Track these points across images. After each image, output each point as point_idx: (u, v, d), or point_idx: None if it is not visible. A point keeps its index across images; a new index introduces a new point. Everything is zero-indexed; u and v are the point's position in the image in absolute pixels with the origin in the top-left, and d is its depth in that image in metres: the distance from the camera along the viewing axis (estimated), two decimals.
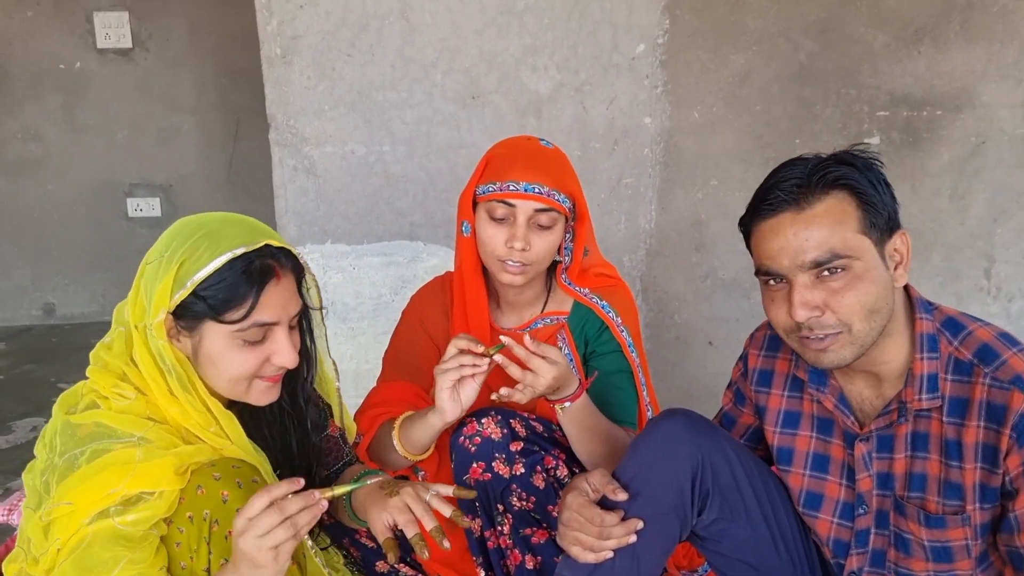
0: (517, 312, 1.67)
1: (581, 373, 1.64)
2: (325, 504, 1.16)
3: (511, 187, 1.50)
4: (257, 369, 1.30)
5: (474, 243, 1.61)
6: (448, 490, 1.32)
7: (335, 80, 2.36)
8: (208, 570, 1.24)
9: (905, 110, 2.52)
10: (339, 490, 1.21)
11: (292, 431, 1.48)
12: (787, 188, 1.20)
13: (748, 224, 1.27)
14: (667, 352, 2.69)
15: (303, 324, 1.40)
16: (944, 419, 1.21)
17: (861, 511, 1.32)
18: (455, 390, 1.44)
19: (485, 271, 1.65)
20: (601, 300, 1.61)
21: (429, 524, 1.25)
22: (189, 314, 1.26)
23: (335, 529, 1.66)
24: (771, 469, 1.45)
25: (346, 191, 2.44)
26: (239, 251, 1.24)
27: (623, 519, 1.29)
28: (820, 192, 1.19)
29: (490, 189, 1.53)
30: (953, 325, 1.24)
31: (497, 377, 1.44)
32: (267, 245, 1.28)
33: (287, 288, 1.31)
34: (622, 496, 1.30)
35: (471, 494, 1.35)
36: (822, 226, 1.17)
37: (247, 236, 1.27)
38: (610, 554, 1.28)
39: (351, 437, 1.65)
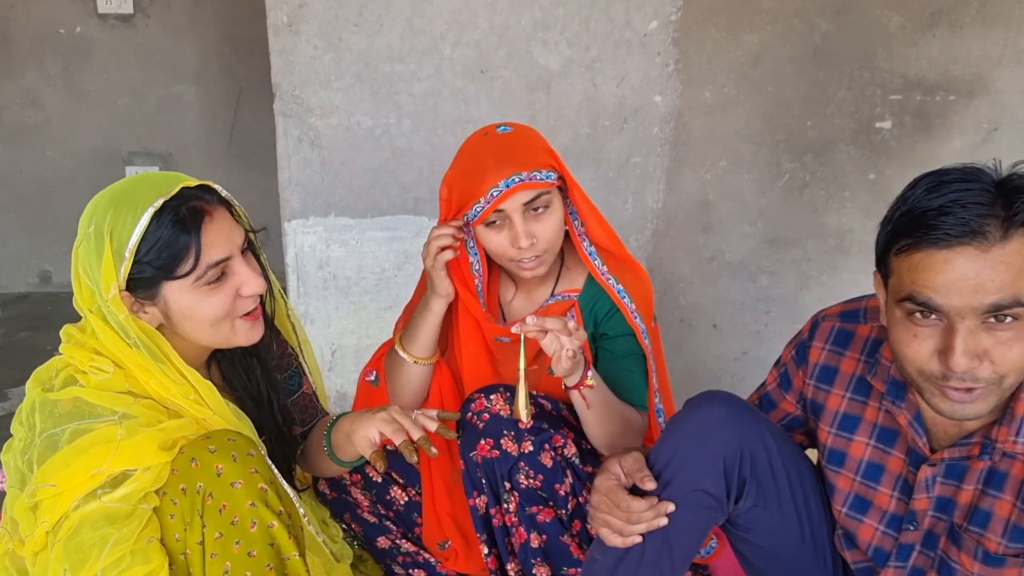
0: (529, 292, 1.65)
1: (587, 352, 1.62)
2: None
3: (494, 193, 1.45)
4: (231, 306, 1.30)
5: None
6: (432, 413, 1.37)
7: (342, 50, 2.32)
8: (202, 543, 1.23)
9: (918, 94, 2.49)
10: None
11: (264, 387, 1.48)
12: (967, 217, 1.03)
13: (904, 244, 1.09)
14: (671, 334, 2.67)
15: (253, 250, 1.39)
16: None
17: (910, 527, 1.26)
18: (447, 270, 1.53)
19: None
20: (617, 283, 1.58)
21: (416, 434, 1.32)
22: (143, 283, 1.25)
23: (336, 504, 1.66)
24: (806, 456, 1.41)
25: (351, 164, 2.41)
26: (158, 203, 1.22)
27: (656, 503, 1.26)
28: (1011, 227, 1.02)
29: (479, 210, 1.47)
30: None
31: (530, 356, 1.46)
32: (183, 188, 1.26)
33: (223, 221, 1.30)
34: (651, 486, 1.26)
35: (455, 416, 1.43)
36: (1011, 267, 1.02)
37: (161, 187, 1.25)
38: (639, 539, 1.26)
39: (323, 399, 1.67)
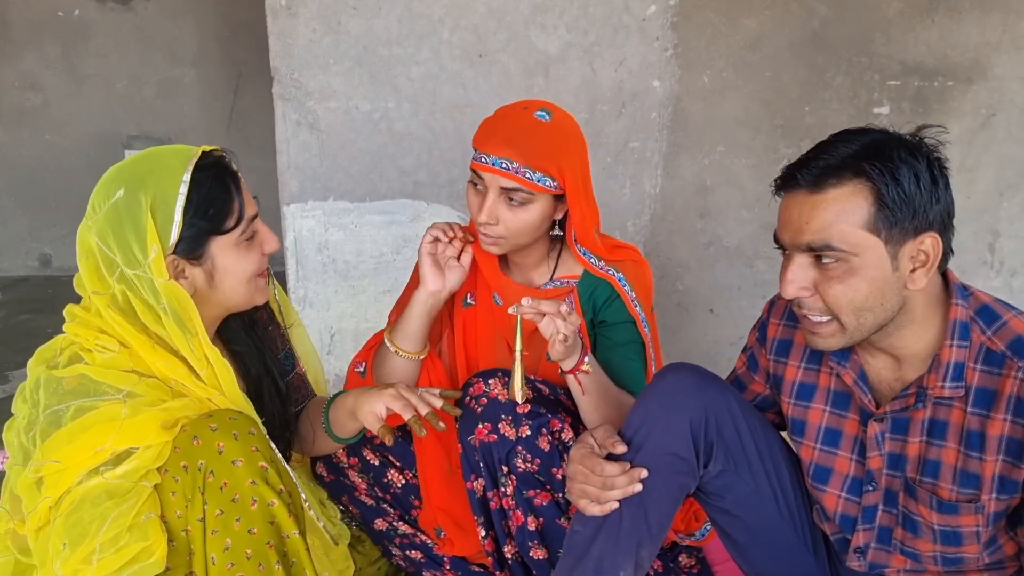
0: (524, 274, 1.65)
1: (586, 338, 1.63)
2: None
3: (482, 159, 1.46)
4: (260, 263, 1.38)
5: None
6: (435, 391, 1.42)
7: (340, 34, 2.32)
8: (203, 520, 1.25)
9: (916, 80, 2.49)
10: None
11: (268, 366, 1.52)
12: (814, 166, 1.16)
13: (776, 189, 1.24)
14: (668, 319, 2.69)
15: None
16: (968, 409, 1.19)
17: (869, 488, 1.31)
18: (437, 264, 1.53)
19: None
20: (617, 272, 1.58)
21: (424, 409, 1.36)
22: (192, 242, 1.29)
23: (334, 487, 1.68)
24: (776, 430, 1.45)
25: (349, 147, 2.41)
26: (192, 163, 1.28)
27: (629, 469, 1.29)
28: (837, 178, 1.15)
29: (472, 155, 1.49)
30: (988, 313, 1.21)
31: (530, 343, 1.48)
32: (203, 152, 1.32)
33: (240, 181, 1.36)
34: (621, 449, 1.30)
35: (457, 394, 1.45)
36: (827, 212, 1.15)
37: (183, 152, 1.31)
38: (616, 505, 1.29)
39: (323, 382, 1.70)
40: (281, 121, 2.37)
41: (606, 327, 1.62)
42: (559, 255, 1.64)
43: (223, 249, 1.32)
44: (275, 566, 1.26)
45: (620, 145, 2.49)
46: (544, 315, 1.37)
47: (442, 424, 1.37)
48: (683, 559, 1.70)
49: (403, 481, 1.66)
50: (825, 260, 1.16)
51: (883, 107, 2.50)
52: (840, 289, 1.16)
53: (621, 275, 1.58)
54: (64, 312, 1.36)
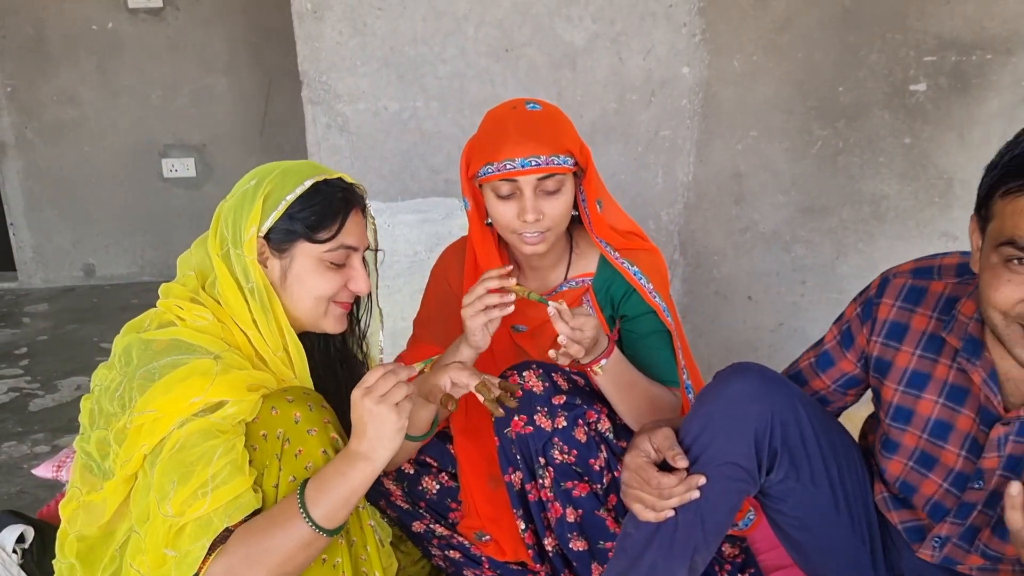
0: (540, 277, 1.65)
1: (611, 338, 1.62)
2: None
3: (508, 166, 1.46)
4: (336, 291, 1.40)
5: (478, 216, 1.59)
6: (494, 380, 1.42)
7: (367, 35, 2.33)
8: (276, 486, 1.29)
9: (953, 55, 2.43)
10: (419, 364, 1.34)
11: (341, 373, 1.57)
12: None
13: (1014, 186, 1.07)
14: (706, 307, 2.66)
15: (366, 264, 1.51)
16: None
17: (976, 485, 1.25)
18: (485, 323, 1.47)
19: (501, 242, 1.64)
20: (632, 265, 1.57)
21: (494, 392, 1.38)
22: (283, 235, 1.36)
23: (370, 493, 1.68)
24: (840, 426, 1.41)
25: (380, 148, 2.42)
26: (321, 177, 1.37)
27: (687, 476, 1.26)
28: None
29: (489, 171, 1.48)
30: None
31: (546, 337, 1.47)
32: (341, 179, 1.41)
33: (362, 221, 1.43)
34: (683, 464, 1.26)
35: (515, 387, 1.43)
36: None
37: (324, 170, 1.40)
38: (671, 513, 1.26)
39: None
40: (311, 124, 2.40)
41: (628, 321, 1.61)
42: (571, 253, 1.65)
43: (306, 256, 1.37)
44: (338, 540, 1.32)
45: (651, 134, 2.47)
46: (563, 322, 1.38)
47: (513, 401, 1.38)
48: (726, 548, 1.68)
49: (437, 486, 1.66)
50: None
51: (919, 84, 2.45)
52: None
53: (636, 268, 1.57)
54: (159, 290, 1.42)
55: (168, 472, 1.22)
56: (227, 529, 1.21)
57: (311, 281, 1.38)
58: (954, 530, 1.29)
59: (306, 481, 1.25)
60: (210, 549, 1.20)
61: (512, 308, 1.46)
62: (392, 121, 2.41)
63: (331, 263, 1.38)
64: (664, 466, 1.30)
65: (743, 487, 1.30)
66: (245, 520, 1.23)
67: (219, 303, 1.37)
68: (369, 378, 1.24)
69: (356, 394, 1.23)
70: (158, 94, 4.22)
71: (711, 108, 2.46)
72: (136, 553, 1.27)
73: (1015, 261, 1.07)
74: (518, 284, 1.46)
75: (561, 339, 1.38)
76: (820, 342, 1.49)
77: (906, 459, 1.33)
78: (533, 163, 1.46)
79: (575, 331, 1.38)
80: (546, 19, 2.35)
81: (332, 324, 1.44)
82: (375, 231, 1.53)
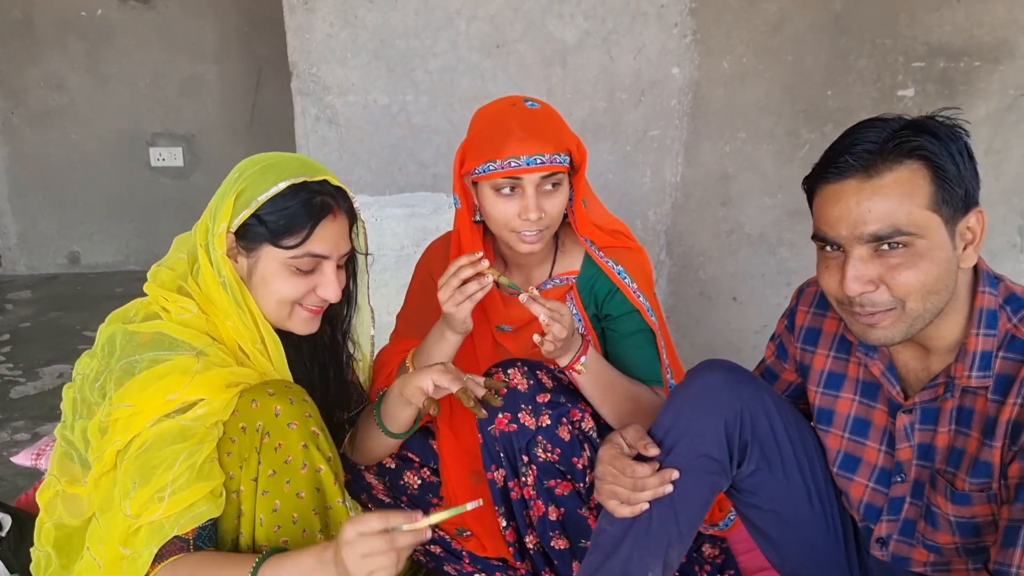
0: (525, 274, 1.65)
1: (591, 332, 1.62)
2: (428, 534, 1.13)
3: (512, 163, 1.46)
4: (302, 296, 1.38)
5: (467, 214, 1.58)
6: (479, 380, 1.42)
7: (358, 28, 2.32)
8: (256, 479, 1.29)
9: (942, 61, 2.45)
10: (436, 517, 1.15)
11: (329, 367, 1.56)
12: (858, 153, 1.11)
13: (812, 184, 1.18)
14: (691, 307, 2.67)
15: (349, 267, 1.49)
16: (989, 397, 1.16)
17: (898, 479, 1.28)
18: (461, 302, 1.48)
19: (485, 237, 1.63)
20: (616, 264, 1.58)
21: (472, 386, 1.38)
22: (250, 235, 1.34)
23: (352, 486, 1.68)
24: (808, 422, 1.43)
25: (369, 141, 2.41)
26: (299, 179, 1.33)
27: (659, 469, 1.28)
28: (893, 161, 1.10)
29: (490, 168, 1.47)
30: (1017, 301, 1.17)
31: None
32: (326, 181, 1.37)
33: (340, 227, 1.39)
34: (654, 452, 1.28)
35: (501, 385, 1.44)
36: (888, 198, 1.09)
37: (308, 170, 1.36)
38: (646, 506, 1.27)
39: (366, 385, 1.70)
40: (300, 116, 2.39)
41: (612, 320, 1.62)
42: (556, 251, 1.65)
43: (270, 260, 1.35)
44: (317, 535, 1.31)
45: (640, 134, 2.47)
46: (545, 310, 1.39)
47: (499, 399, 1.39)
48: (707, 549, 1.69)
49: (419, 481, 1.66)
50: (889, 248, 1.10)
51: (908, 89, 2.47)
52: (910, 275, 1.10)
53: (620, 267, 1.58)
54: (148, 273, 1.41)
55: (131, 472, 1.22)
56: (186, 543, 1.21)
57: (274, 285, 1.36)
58: (891, 528, 1.31)
59: (272, 552, 1.21)
60: (160, 557, 1.20)
61: (489, 287, 1.47)
62: (381, 114, 2.40)
63: (297, 268, 1.35)
64: (638, 461, 1.31)
65: (715, 480, 1.31)
66: (202, 533, 1.23)
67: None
68: (367, 524, 1.09)
69: (347, 534, 1.09)
70: (147, 82, 4.18)
71: (700, 109, 2.47)
72: (96, 541, 1.28)
73: (827, 249, 1.17)
74: (490, 268, 1.47)
75: (542, 318, 1.39)
76: (762, 360, 1.54)
77: (832, 464, 1.36)
78: (538, 161, 1.46)
79: (553, 312, 1.39)
80: (538, 16, 2.34)
81: (299, 326, 1.41)
82: (365, 234, 1.51)
